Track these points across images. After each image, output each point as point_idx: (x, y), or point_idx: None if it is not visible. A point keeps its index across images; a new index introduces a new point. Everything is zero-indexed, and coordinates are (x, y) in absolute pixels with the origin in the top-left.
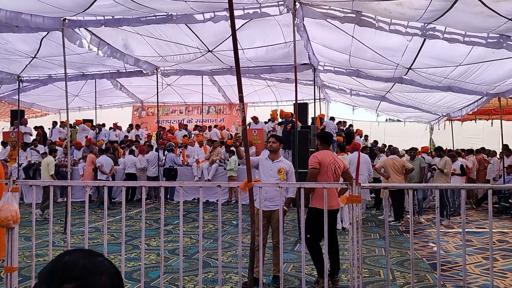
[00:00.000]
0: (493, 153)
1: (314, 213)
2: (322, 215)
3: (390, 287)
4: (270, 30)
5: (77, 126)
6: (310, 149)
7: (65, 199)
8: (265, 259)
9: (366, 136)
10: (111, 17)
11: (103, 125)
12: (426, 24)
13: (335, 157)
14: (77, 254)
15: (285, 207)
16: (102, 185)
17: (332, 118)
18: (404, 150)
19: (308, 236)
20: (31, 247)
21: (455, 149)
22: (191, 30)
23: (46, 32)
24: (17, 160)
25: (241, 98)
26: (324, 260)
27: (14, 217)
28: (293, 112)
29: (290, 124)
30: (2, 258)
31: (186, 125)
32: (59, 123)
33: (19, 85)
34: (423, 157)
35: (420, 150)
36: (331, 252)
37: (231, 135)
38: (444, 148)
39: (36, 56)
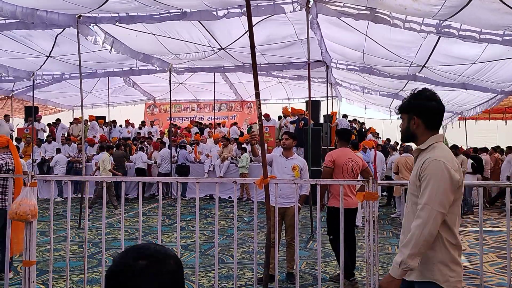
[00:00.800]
0: (509, 150)
1: (332, 212)
2: (339, 213)
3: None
4: (283, 27)
5: (88, 123)
6: (322, 147)
7: (78, 195)
8: (279, 256)
9: (378, 134)
10: (125, 14)
11: (114, 122)
12: (441, 22)
13: (353, 155)
14: (148, 243)
15: (299, 204)
16: (119, 181)
17: (345, 116)
18: None
19: (331, 237)
20: (47, 241)
21: (467, 147)
22: (205, 28)
23: (61, 30)
24: (31, 156)
25: (257, 95)
26: (341, 258)
27: (32, 212)
28: (305, 109)
29: (303, 122)
30: (20, 252)
31: (200, 123)
32: (75, 119)
33: (33, 83)
34: None
35: None
36: (347, 252)
37: (241, 132)
38: (459, 147)
39: (51, 55)
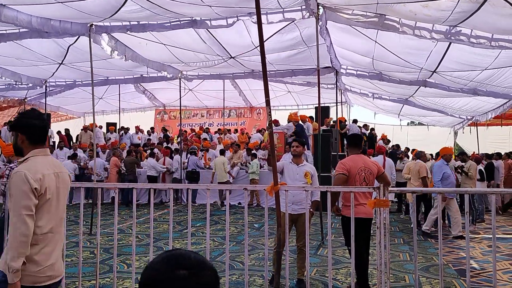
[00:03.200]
0: None
1: (346, 222)
2: (355, 223)
3: None
4: (291, 33)
5: (88, 130)
6: (332, 153)
7: (89, 201)
8: (285, 262)
9: (389, 141)
10: (136, 23)
11: (128, 129)
12: (451, 28)
13: (367, 162)
14: (185, 250)
15: (312, 210)
16: (131, 187)
17: (355, 121)
18: (431, 154)
19: (349, 248)
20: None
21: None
22: (215, 38)
23: (74, 40)
24: None
25: (267, 102)
26: (352, 265)
27: None
28: (313, 116)
29: (296, 128)
30: None
31: (208, 129)
32: (84, 126)
33: (46, 89)
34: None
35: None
36: (360, 264)
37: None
38: (471, 153)
39: (63, 63)
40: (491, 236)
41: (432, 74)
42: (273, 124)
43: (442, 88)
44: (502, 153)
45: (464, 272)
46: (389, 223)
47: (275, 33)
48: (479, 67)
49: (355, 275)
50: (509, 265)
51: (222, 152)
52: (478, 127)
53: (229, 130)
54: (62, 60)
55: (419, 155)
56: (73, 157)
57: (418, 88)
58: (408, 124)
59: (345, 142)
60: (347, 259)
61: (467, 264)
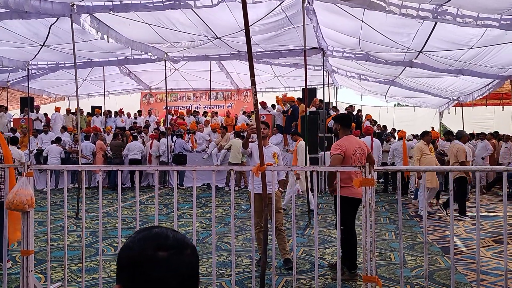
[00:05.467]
0: (507, 137)
1: (341, 202)
2: (348, 203)
3: (401, 270)
4: (278, 15)
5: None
6: (319, 134)
7: (75, 185)
8: (272, 243)
9: (375, 122)
10: (119, 3)
11: (110, 112)
12: (438, 7)
13: (359, 142)
14: (162, 228)
15: (281, 189)
16: (115, 169)
17: (351, 107)
18: (412, 135)
19: (342, 227)
20: (44, 231)
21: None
22: (199, 17)
23: (55, 19)
24: (28, 147)
25: (253, 82)
26: (338, 244)
27: (29, 201)
28: (301, 97)
29: (292, 109)
30: (19, 239)
31: (196, 111)
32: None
33: (28, 72)
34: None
35: None
36: (352, 243)
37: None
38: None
39: (45, 44)
40: (474, 214)
41: (419, 54)
42: (260, 106)
43: (428, 68)
44: (486, 133)
45: (448, 250)
46: (375, 203)
47: (263, 17)
48: (465, 46)
49: (341, 253)
50: (492, 242)
51: (238, 135)
52: (463, 107)
53: (216, 113)
54: (44, 42)
55: (460, 135)
56: (57, 141)
57: (404, 69)
58: (394, 105)
59: (333, 123)
60: (334, 238)
61: (451, 242)
